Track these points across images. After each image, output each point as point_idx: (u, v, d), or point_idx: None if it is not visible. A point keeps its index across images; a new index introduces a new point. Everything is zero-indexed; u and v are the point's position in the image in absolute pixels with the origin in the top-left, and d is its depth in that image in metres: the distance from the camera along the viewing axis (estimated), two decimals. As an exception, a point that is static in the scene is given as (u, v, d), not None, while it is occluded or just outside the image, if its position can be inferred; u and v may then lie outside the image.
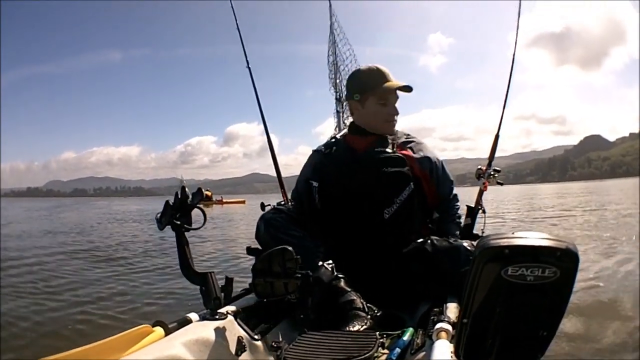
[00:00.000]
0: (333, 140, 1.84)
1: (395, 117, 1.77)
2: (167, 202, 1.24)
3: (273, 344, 1.17)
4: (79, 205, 41.86)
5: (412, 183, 1.63)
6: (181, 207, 1.23)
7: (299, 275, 1.22)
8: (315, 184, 1.71)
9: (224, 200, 34.43)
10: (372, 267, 1.59)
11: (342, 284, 1.48)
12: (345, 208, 1.66)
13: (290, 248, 1.24)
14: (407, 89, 1.76)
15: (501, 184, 2.16)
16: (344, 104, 2.88)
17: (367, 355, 1.08)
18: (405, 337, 1.21)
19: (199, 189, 1.24)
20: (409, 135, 1.81)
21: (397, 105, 1.78)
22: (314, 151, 1.88)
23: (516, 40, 2.37)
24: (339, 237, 1.65)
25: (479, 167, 2.15)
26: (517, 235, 0.62)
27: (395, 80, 1.75)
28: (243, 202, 34.63)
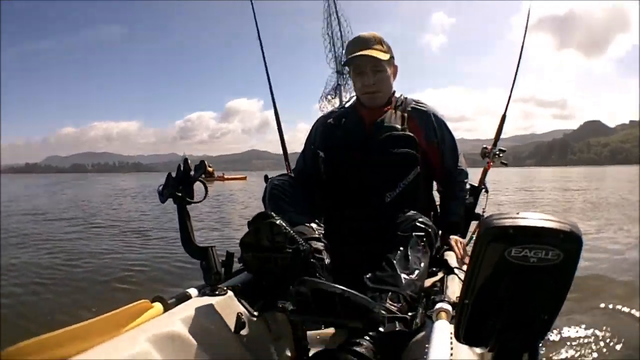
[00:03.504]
0: (342, 109, 1.80)
1: (375, 87, 1.67)
2: (169, 174, 1.23)
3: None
4: (83, 181, 41.84)
5: (418, 167, 1.60)
6: (183, 180, 1.22)
7: (289, 250, 1.15)
8: (322, 154, 1.68)
9: (226, 177, 34.62)
10: (366, 246, 1.53)
11: (320, 245, 1.40)
12: (348, 185, 1.64)
13: (278, 221, 1.16)
14: (363, 57, 1.62)
15: (505, 165, 2.15)
16: (345, 76, 2.86)
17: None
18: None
19: (202, 162, 1.23)
20: (418, 101, 1.75)
21: (397, 81, 1.74)
22: (321, 117, 1.84)
23: (526, 25, 2.34)
24: (338, 213, 1.64)
25: (484, 146, 2.13)
26: (521, 215, 0.61)
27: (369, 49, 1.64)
28: (244, 178, 34.86)
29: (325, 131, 1.75)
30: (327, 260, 1.38)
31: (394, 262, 1.26)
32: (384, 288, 1.19)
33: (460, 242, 1.65)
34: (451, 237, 1.66)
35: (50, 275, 3.93)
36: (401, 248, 1.30)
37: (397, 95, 1.77)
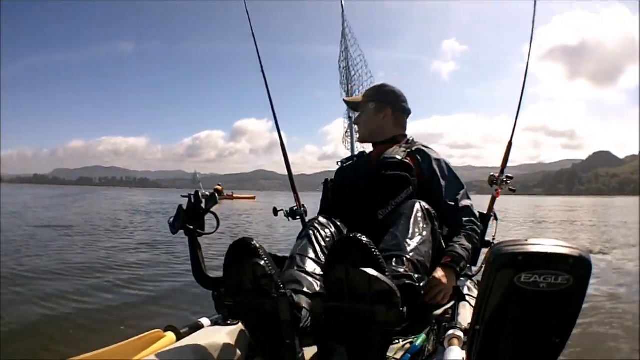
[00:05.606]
0: (358, 153, 2.03)
1: (361, 126, 1.94)
2: (180, 206, 1.24)
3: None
4: (91, 194, 41.16)
5: (411, 187, 1.61)
6: (194, 212, 1.24)
7: (275, 296, 1.00)
8: (330, 182, 1.86)
9: (235, 195, 34.55)
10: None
11: (304, 303, 1.16)
12: (348, 207, 1.68)
13: (262, 262, 1.01)
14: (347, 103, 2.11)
15: (513, 191, 2.14)
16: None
17: None
18: (417, 343, 1.21)
19: (213, 194, 1.24)
20: (422, 144, 1.81)
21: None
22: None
23: (530, 47, 2.36)
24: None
25: (492, 174, 2.14)
26: (530, 242, 0.62)
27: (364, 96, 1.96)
28: (253, 198, 34.84)
29: (339, 169, 1.95)
30: (306, 322, 1.13)
31: (396, 233, 1.29)
32: (386, 254, 1.19)
33: (442, 284, 1.33)
34: (437, 272, 1.35)
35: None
36: (402, 221, 1.34)
37: (408, 138, 1.89)
